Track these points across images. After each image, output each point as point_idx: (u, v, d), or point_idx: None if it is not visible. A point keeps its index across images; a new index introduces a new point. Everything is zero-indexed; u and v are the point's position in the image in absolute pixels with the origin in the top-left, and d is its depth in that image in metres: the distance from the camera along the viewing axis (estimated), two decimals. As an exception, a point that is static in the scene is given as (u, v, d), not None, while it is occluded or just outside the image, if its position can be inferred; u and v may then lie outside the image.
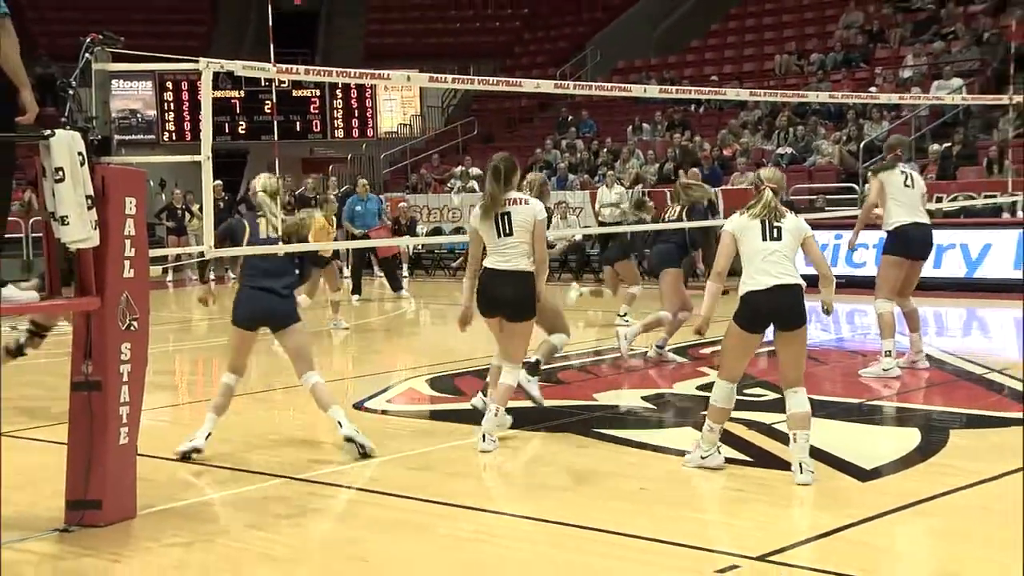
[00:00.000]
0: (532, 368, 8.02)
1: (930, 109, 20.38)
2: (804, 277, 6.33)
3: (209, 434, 6.95)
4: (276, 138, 24.26)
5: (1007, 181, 14.57)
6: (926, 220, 9.41)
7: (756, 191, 6.47)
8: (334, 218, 13.83)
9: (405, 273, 22.65)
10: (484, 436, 7.08)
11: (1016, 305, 13.61)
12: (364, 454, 6.86)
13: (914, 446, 7.06)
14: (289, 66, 7.36)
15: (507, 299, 7.21)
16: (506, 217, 7.18)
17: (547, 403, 8.23)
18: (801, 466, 6.07)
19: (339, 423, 6.94)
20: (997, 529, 5.41)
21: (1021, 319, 12.91)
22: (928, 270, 10.41)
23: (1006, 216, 15.48)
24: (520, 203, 7.24)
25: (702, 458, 6.39)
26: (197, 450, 6.91)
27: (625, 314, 12.89)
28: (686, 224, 10.36)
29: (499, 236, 7.20)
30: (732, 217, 6.54)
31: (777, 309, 6.20)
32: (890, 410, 8.52)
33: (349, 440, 6.91)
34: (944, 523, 5.53)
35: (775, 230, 6.28)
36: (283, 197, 7.31)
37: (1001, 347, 12.12)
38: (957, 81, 20.78)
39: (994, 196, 14.96)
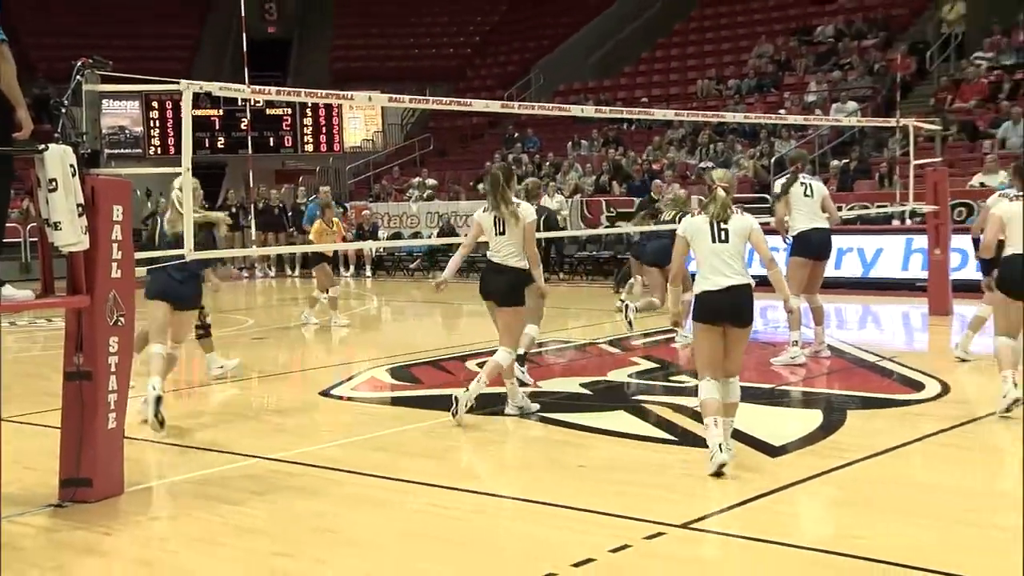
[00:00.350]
0: (519, 358, 8.10)
1: (831, 129, 20.60)
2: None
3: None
4: (251, 152, 24.14)
5: (896, 193, 14.78)
6: (825, 225, 9.56)
7: (709, 191, 6.26)
8: (334, 220, 13.56)
9: (368, 273, 22.58)
10: (455, 400, 7.27)
11: (903, 301, 13.81)
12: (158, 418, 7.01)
13: (817, 425, 7.12)
14: (262, 87, 7.28)
15: (498, 289, 7.37)
16: (501, 219, 7.34)
17: (493, 389, 8.21)
18: (720, 447, 5.92)
19: (152, 387, 7.07)
20: (888, 498, 5.48)
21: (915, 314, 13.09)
22: (830, 270, 10.55)
23: (896, 223, 15.74)
24: (513, 206, 7.36)
25: (711, 457, 5.82)
26: (159, 400, 7.05)
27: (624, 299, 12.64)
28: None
29: (496, 235, 7.36)
30: (684, 220, 6.35)
31: (731, 307, 6.02)
32: (796, 394, 8.59)
33: (157, 402, 7.05)
34: (842, 493, 5.59)
35: (723, 232, 6.07)
36: (200, 196, 7.49)
37: (891, 338, 12.28)
38: (853, 105, 21.04)
39: (885, 206, 15.18)
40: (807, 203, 9.46)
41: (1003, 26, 21.62)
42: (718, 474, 5.72)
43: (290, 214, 22.51)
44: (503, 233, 7.33)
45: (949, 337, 11.27)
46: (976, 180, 16.35)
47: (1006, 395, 7.00)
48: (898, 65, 21.95)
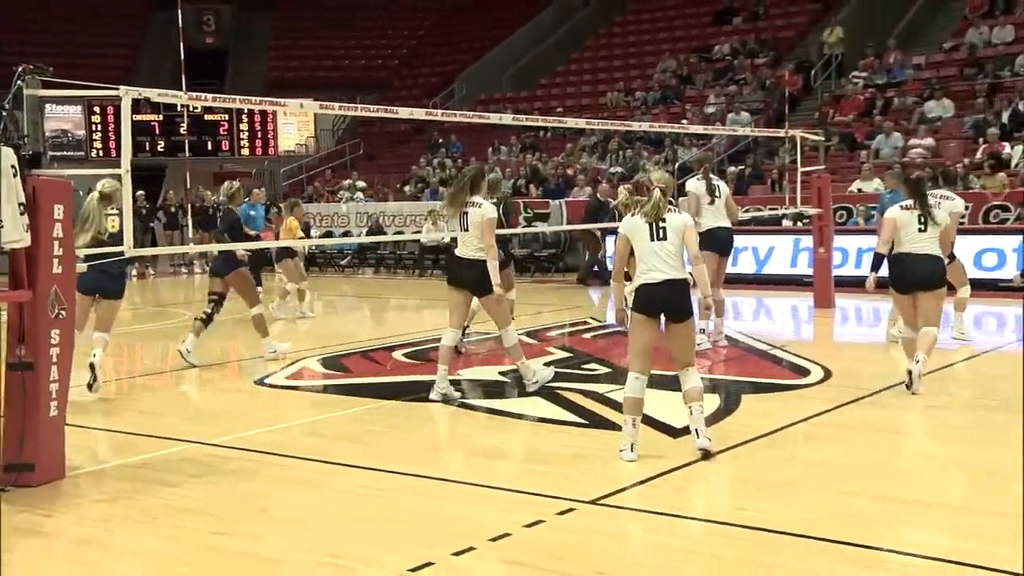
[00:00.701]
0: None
1: (727, 138, 20.95)
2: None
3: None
4: (188, 154, 23.70)
5: (785, 197, 15.10)
6: (727, 224, 9.69)
7: (647, 191, 6.15)
8: (302, 216, 14.01)
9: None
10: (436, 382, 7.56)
11: (791, 295, 14.10)
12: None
13: (715, 408, 7.21)
14: (199, 94, 7.14)
15: (466, 280, 7.61)
16: (465, 216, 7.51)
17: (418, 377, 8.18)
18: (697, 432, 5.82)
19: (94, 354, 7.78)
20: (775, 472, 5.59)
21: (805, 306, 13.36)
22: (727, 267, 10.68)
23: (786, 224, 16.07)
24: (475, 206, 7.51)
25: (620, 450, 5.83)
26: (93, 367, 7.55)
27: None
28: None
29: (461, 230, 7.59)
30: (624, 219, 6.15)
31: (667, 300, 5.87)
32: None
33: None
34: (736, 469, 5.67)
35: (661, 230, 5.92)
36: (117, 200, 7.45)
37: (781, 328, 12.52)
38: (747, 117, 21.43)
39: (776, 209, 15.48)
40: (714, 203, 9.60)
41: (876, 49, 22.26)
42: (707, 456, 5.70)
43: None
44: (467, 229, 7.53)
45: (832, 327, 11.53)
46: (854, 186, 16.76)
47: (911, 371, 7.35)
48: (786, 81, 22.47)
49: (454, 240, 7.88)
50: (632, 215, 6.07)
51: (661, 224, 5.93)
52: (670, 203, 6.08)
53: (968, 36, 21.31)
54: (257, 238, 16.00)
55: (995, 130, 17.84)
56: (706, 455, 5.73)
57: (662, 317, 5.99)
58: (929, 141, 18.57)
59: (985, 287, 13.14)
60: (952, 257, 8.91)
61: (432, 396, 7.55)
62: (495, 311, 7.70)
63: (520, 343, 7.97)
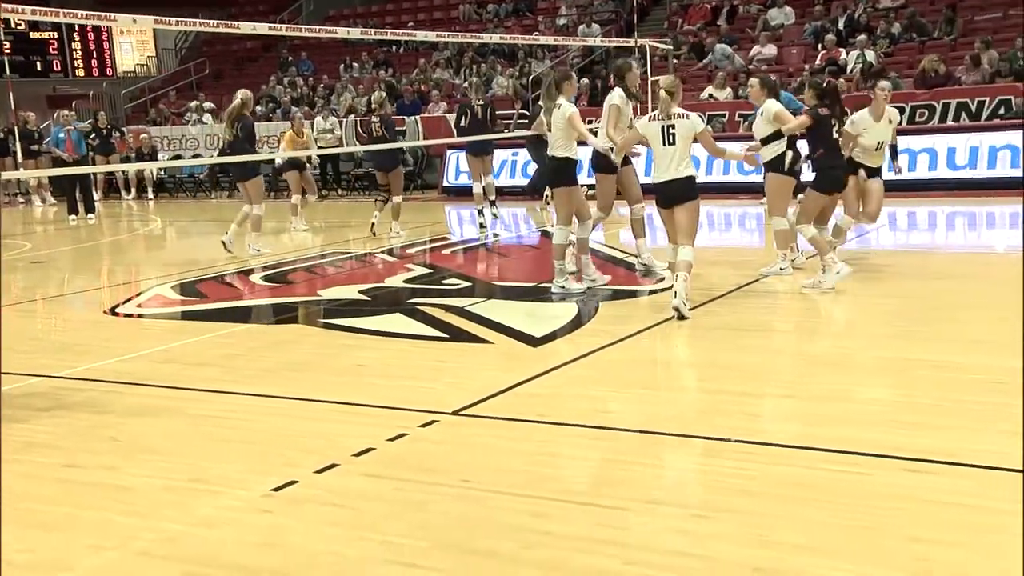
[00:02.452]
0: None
1: (581, 49, 20.99)
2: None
3: None
4: (8, 73, 22.17)
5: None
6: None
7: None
8: (303, 131, 14.05)
9: (150, 195, 21.44)
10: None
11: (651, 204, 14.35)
12: None
13: (573, 316, 7.36)
14: (15, 7, 6.64)
15: (550, 175, 8.46)
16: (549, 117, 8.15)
17: (278, 300, 8.03)
18: (676, 294, 6.92)
19: None
20: (629, 374, 5.76)
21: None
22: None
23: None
24: (557, 107, 8.02)
25: (673, 307, 6.95)
26: None
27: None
28: None
29: (548, 131, 8.27)
30: (641, 119, 7.52)
31: (673, 193, 7.15)
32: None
33: None
34: (594, 373, 5.78)
35: (671, 136, 7.08)
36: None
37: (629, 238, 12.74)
38: (597, 28, 21.51)
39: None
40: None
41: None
42: (681, 317, 6.86)
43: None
44: (549, 130, 8.15)
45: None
46: (706, 93, 17.11)
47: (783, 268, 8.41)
48: (639, -8, 22.57)
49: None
50: (647, 118, 7.27)
51: (672, 131, 7.07)
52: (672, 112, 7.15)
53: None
54: (73, 163, 16.16)
55: (832, 36, 18.44)
56: (680, 316, 6.81)
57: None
58: (772, 49, 19.06)
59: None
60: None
61: (553, 290, 8.09)
62: (557, 206, 8.20)
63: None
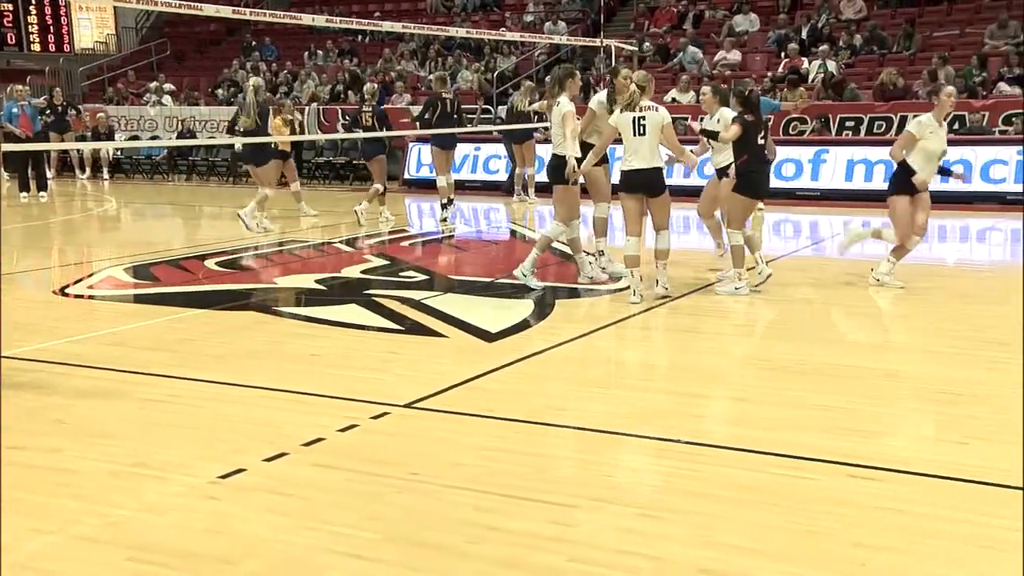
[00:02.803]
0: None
1: (547, 47, 21.02)
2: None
3: None
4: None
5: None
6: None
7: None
8: (289, 117, 14.05)
9: (106, 175, 21.12)
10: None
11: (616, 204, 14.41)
12: None
13: (529, 313, 7.38)
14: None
15: (549, 173, 8.45)
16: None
17: (231, 286, 7.96)
18: (657, 281, 7.58)
19: None
20: (583, 372, 5.79)
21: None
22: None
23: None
24: (557, 104, 8.11)
25: (629, 301, 7.41)
26: None
27: None
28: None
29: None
30: (615, 112, 7.63)
31: (643, 183, 7.44)
32: (514, 286, 8.81)
33: None
34: (548, 370, 5.80)
35: (642, 127, 7.36)
36: None
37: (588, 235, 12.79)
38: (564, 26, 21.55)
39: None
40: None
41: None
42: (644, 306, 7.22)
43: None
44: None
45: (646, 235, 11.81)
46: (669, 96, 17.22)
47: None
48: (606, -7, 22.64)
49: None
50: (619, 109, 7.49)
51: (642, 122, 7.34)
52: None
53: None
54: (28, 139, 15.93)
55: (795, 45, 18.65)
56: (664, 299, 7.33)
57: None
58: (736, 55, 19.23)
59: (784, 196, 14.06)
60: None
61: (580, 280, 8.37)
62: (556, 203, 8.35)
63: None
